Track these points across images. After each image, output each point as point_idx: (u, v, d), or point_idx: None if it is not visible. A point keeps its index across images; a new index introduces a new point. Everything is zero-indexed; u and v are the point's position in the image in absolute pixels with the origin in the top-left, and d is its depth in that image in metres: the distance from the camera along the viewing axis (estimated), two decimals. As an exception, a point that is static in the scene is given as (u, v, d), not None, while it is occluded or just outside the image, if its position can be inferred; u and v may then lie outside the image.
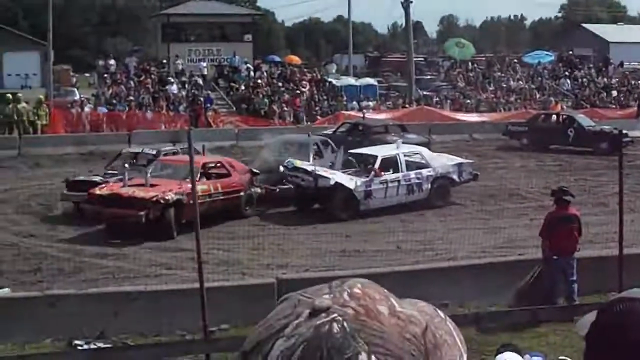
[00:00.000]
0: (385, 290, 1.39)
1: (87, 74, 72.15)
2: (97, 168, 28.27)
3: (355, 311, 1.30)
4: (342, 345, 1.26)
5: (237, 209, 24.57)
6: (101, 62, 54.50)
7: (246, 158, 29.17)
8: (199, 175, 22.21)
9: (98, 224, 22.96)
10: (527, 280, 15.16)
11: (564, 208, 15.75)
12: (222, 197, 24.02)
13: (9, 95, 42.40)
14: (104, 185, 23.71)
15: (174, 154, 26.17)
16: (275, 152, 28.42)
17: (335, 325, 1.28)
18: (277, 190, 25.36)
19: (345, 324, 1.28)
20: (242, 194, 24.71)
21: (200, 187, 21.43)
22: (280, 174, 26.03)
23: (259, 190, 25.30)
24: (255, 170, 25.89)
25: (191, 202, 21.17)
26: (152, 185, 22.84)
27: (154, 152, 26.64)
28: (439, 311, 1.46)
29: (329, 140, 30.22)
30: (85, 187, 23.83)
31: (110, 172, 25.81)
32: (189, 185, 21.01)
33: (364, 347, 1.26)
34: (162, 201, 22.29)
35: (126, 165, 24.97)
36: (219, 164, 25.36)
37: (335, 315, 1.29)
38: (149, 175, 23.09)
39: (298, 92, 48.85)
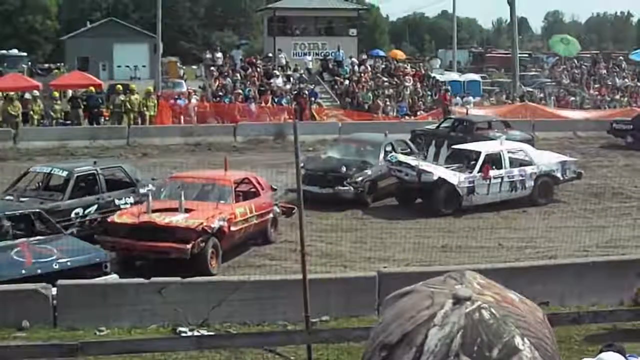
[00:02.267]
0: None
1: (194, 67, 73.16)
2: None
3: (495, 299, 1.38)
4: (497, 330, 1.33)
5: (265, 233, 21.23)
6: (208, 55, 55.14)
7: (308, 154, 27.24)
8: (233, 195, 20.33)
9: (123, 259, 18.96)
10: None
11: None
12: (256, 221, 20.63)
13: (120, 86, 43.25)
14: (122, 211, 19.91)
15: (92, 175, 21.28)
16: (342, 151, 27.50)
17: (484, 312, 1.34)
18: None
19: (492, 310, 1.35)
20: (270, 215, 21.41)
21: (238, 210, 20.04)
22: (343, 174, 25.04)
23: (277, 209, 21.87)
24: (274, 187, 22.68)
25: (231, 229, 19.34)
26: (186, 210, 19.01)
27: (65, 173, 21.14)
28: None
29: (407, 141, 29.90)
30: None
31: (9, 195, 20.51)
32: (229, 209, 19.61)
33: (517, 331, 1.34)
34: (209, 230, 18.61)
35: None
36: (246, 181, 21.82)
37: (479, 302, 1.36)
38: (183, 199, 19.12)
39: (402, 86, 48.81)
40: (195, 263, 18.16)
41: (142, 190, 21.50)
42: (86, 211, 20.52)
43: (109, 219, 19.34)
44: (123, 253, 18.79)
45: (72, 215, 20.08)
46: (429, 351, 1.32)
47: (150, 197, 19.40)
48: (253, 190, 21.45)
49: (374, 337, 1.41)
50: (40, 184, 21.78)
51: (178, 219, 18.61)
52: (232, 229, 19.46)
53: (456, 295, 1.37)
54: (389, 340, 1.37)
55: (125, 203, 21.07)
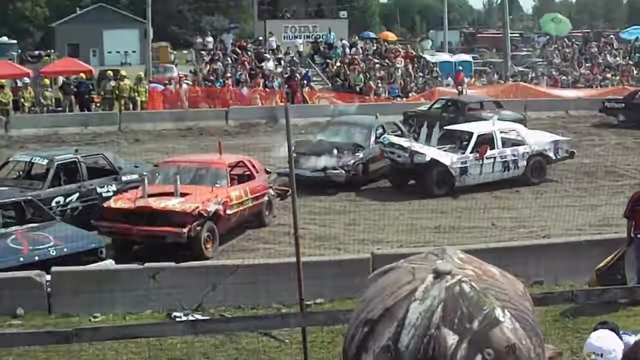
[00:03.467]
0: None
1: (185, 51, 72.97)
2: None
3: (475, 272, 1.39)
4: (478, 302, 1.34)
5: (260, 216, 21.31)
6: (199, 40, 55.06)
7: (299, 138, 26.99)
8: (228, 179, 20.33)
9: (120, 244, 18.98)
10: (607, 261, 14.93)
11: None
12: (251, 204, 20.64)
13: (110, 72, 43.16)
14: (118, 197, 19.80)
15: (73, 163, 21.11)
16: (333, 133, 27.30)
17: (464, 285, 1.35)
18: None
19: (473, 283, 1.36)
20: (265, 198, 21.44)
21: (233, 193, 20.06)
22: (334, 158, 24.79)
23: (272, 192, 21.94)
24: (268, 170, 22.86)
25: (227, 212, 19.44)
26: (182, 195, 19.02)
27: (46, 161, 21.03)
28: None
29: (398, 123, 29.86)
30: None
31: None
32: (224, 192, 19.65)
33: (497, 303, 1.35)
34: (204, 214, 18.68)
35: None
36: (241, 164, 21.70)
37: (460, 276, 1.37)
38: (178, 183, 19.10)
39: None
40: (190, 247, 18.29)
41: (124, 178, 21.48)
42: (67, 199, 20.38)
43: (105, 204, 19.34)
44: (120, 237, 18.81)
45: (53, 203, 19.87)
46: (410, 324, 1.33)
47: (146, 182, 19.27)
48: (247, 173, 21.35)
49: (356, 314, 1.42)
50: (22, 172, 21.66)
51: (174, 203, 18.62)
52: (228, 212, 19.52)
53: (436, 269, 1.38)
54: (371, 315, 1.38)
55: (108, 191, 20.92)
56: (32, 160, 21.71)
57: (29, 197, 18.11)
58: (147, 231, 18.35)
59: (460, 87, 44.68)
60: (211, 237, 18.91)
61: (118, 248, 18.75)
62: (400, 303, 1.36)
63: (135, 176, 21.35)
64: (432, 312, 1.33)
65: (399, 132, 27.82)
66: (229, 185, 20.17)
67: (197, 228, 18.37)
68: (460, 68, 49.53)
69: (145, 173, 20.61)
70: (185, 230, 18.06)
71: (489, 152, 24.75)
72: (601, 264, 14.72)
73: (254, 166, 21.72)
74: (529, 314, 1.39)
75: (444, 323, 1.32)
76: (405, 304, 1.35)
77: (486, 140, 25.13)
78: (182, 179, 19.56)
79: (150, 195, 18.87)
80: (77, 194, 20.59)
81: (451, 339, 1.32)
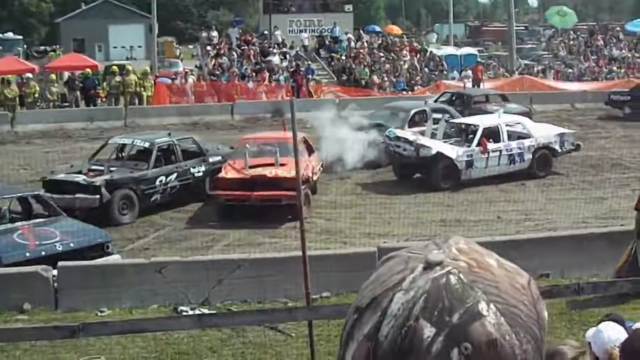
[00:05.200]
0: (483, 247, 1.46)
1: (190, 46, 73.01)
2: (78, 163, 23.61)
3: (468, 264, 1.37)
4: (461, 295, 1.32)
5: (315, 184, 23.28)
6: (204, 34, 55.00)
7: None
8: (306, 151, 22.25)
9: (236, 210, 20.92)
10: (624, 259, 14.90)
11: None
12: (319, 174, 23.59)
13: (115, 67, 43.18)
14: (226, 169, 21.89)
15: (170, 145, 22.95)
16: (378, 117, 28.78)
17: (452, 277, 1.34)
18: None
19: (461, 275, 1.34)
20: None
21: (313, 163, 22.51)
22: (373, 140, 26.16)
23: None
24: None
25: (314, 179, 22.11)
26: (281, 165, 21.32)
27: (147, 144, 22.81)
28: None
29: (447, 107, 30.32)
30: (67, 188, 20.65)
31: (95, 166, 22.21)
32: (308, 163, 21.85)
33: (482, 297, 1.33)
34: (310, 180, 21.37)
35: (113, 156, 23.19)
36: (304, 140, 23.15)
37: (450, 267, 1.35)
38: (278, 155, 21.45)
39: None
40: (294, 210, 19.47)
41: (210, 159, 23.32)
42: (167, 179, 22.23)
43: (218, 176, 21.70)
44: (236, 203, 20.97)
45: (157, 182, 21.94)
46: (392, 315, 1.32)
47: (247, 154, 21.66)
48: (308, 148, 23.45)
49: (355, 300, 1.42)
50: (121, 154, 23.44)
51: (283, 171, 20.85)
52: (314, 178, 22.48)
53: (427, 260, 1.37)
54: (361, 303, 1.37)
55: (198, 171, 22.95)
56: (134, 143, 23.40)
57: (36, 192, 18.25)
58: (264, 196, 20.73)
59: (478, 81, 44.63)
60: (308, 201, 20.65)
61: (223, 214, 21.14)
62: (387, 292, 1.35)
63: (219, 157, 23.44)
64: (414, 303, 1.32)
65: (449, 116, 28.43)
66: (308, 157, 22.38)
67: (307, 192, 20.42)
68: (480, 60, 49.39)
69: (247, 147, 22.42)
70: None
71: (494, 146, 24.73)
72: (620, 263, 14.69)
73: (310, 142, 24.03)
74: (521, 308, 1.36)
75: (423, 315, 1.31)
76: (390, 294, 1.34)
77: (492, 134, 25.11)
78: (265, 153, 22.27)
79: (250, 167, 21.38)
80: (175, 174, 22.48)
81: (428, 331, 1.30)
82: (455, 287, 1.33)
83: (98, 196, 20.55)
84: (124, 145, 23.64)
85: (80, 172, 21.62)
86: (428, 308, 1.31)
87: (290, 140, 22.22)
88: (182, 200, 22.47)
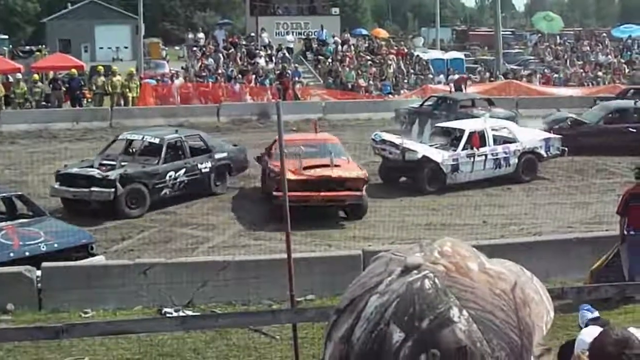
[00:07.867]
0: (474, 249, 1.44)
1: (176, 47, 72.94)
2: (89, 157, 23.97)
3: (446, 268, 1.34)
4: (433, 300, 1.30)
5: None
6: (190, 36, 55.04)
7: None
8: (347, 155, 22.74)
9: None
10: (602, 262, 14.93)
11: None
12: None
13: (101, 68, 43.09)
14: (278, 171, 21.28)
15: (179, 141, 23.52)
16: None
17: (426, 281, 1.31)
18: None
19: (436, 280, 1.32)
20: None
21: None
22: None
23: None
24: None
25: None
26: (335, 166, 21.55)
27: (157, 140, 23.23)
28: (525, 270, 1.50)
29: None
30: (79, 181, 21.27)
31: (106, 160, 22.61)
32: (353, 163, 22.42)
33: (455, 302, 1.30)
34: (367, 180, 21.75)
35: (126, 150, 23.55)
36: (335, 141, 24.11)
37: (426, 272, 1.33)
38: (333, 155, 21.69)
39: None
40: (359, 207, 21.40)
41: (216, 156, 23.81)
42: (177, 174, 22.69)
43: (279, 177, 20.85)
44: (304, 202, 19.97)
45: (167, 177, 22.43)
46: (365, 318, 1.31)
47: (300, 155, 21.47)
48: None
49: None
50: (130, 149, 23.79)
51: (346, 172, 21.43)
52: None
53: (405, 263, 1.35)
54: (340, 304, 1.37)
55: (205, 167, 23.44)
56: (144, 139, 23.77)
57: (20, 193, 18.23)
58: (330, 196, 21.07)
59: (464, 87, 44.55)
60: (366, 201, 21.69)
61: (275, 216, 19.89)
62: (364, 295, 1.34)
63: (224, 154, 24.13)
64: (387, 307, 1.30)
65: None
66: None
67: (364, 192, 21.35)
68: (465, 74, 49.38)
69: (301, 149, 22.12)
70: (361, 193, 21.21)
71: (480, 150, 24.73)
72: (597, 264, 14.73)
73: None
74: (498, 314, 1.33)
75: (394, 319, 1.29)
76: (367, 296, 1.33)
77: (477, 138, 25.11)
78: (310, 154, 22.26)
79: (308, 167, 21.39)
80: (184, 169, 22.94)
81: (397, 336, 1.29)
82: (428, 292, 1.31)
83: (113, 189, 20.98)
84: (134, 140, 24.11)
85: (91, 167, 22.05)
86: (399, 312, 1.30)
87: (331, 141, 23.45)
88: (190, 195, 23.01)
